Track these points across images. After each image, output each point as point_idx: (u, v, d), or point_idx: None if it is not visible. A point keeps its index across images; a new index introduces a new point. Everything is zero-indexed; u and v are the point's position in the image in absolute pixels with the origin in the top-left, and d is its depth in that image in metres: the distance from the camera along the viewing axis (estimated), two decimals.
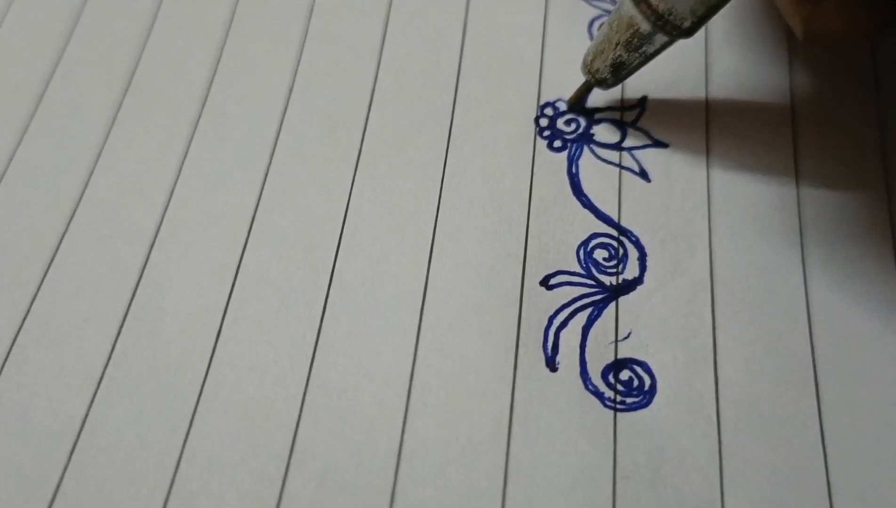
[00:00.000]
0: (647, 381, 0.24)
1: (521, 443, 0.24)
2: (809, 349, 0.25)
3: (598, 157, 0.28)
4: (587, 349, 0.25)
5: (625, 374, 0.25)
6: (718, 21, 0.31)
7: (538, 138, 0.29)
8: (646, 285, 0.26)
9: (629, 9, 0.26)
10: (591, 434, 0.24)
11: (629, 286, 0.26)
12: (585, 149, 0.29)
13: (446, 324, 0.25)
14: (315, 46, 0.31)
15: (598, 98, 0.30)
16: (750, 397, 0.24)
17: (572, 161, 0.28)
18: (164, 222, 0.27)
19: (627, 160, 0.28)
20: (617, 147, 0.29)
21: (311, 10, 0.31)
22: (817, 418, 0.24)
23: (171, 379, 0.24)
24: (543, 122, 0.29)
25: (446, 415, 0.24)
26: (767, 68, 0.30)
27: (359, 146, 0.28)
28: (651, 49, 0.26)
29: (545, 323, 0.25)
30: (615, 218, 0.27)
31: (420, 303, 0.25)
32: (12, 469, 0.23)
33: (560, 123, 0.29)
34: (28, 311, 0.25)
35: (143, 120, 0.29)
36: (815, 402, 0.24)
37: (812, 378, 0.25)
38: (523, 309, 0.25)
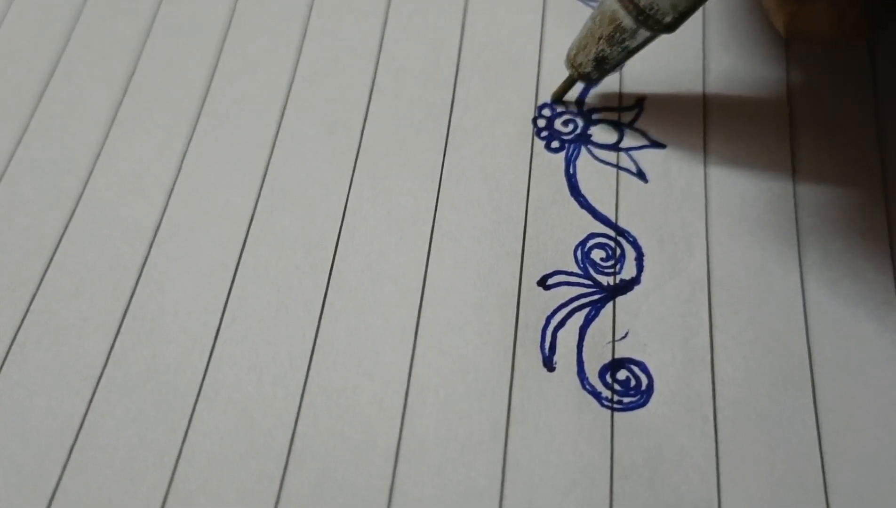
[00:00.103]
0: (645, 381, 0.25)
1: (518, 443, 0.24)
2: (806, 348, 0.25)
3: (596, 158, 0.28)
4: (585, 349, 0.25)
5: (622, 374, 0.25)
6: (715, 20, 0.31)
7: (536, 139, 0.29)
8: (643, 285, 0.26)
9: (612, 3, 0.26)
10: (588, 433, 0.24)
11: (627, 286, 0.26)
12: (583, 149, 0.29)
13: (444, 324, 0.25)
14: (314, 46, 0.31)
15: (595, 98, 0.30)
16: (747, 396, 0.24)
17: (570, 161, 0.28)
18: (163, 221, 0.27)
19: (625, 160, 0.28)
20: (614, 147, 0.29)
21: (311, 10, 0.31)
22: (814, 417, 0.24)
23: (171, 378, 0.24)
24: (541, 123, 0.29)
25: (444, 414, 0.24)
26: (764, 68, 0.30)
27: (357, 146, 0.28)
28: (633, 44, 0.27)
29: (543, 322, 0.25)
30: (613, 218, 0.27)
31: (418, 303, 0.26)
32: (12, 467, 0.23)
33: (558, 124, 0.29)
34: (28, 310, 0.25)
35: (142, 119, 0.29)
36: (812, 401, 0.24)
37: (809, 377, 0.25)
38: (521, 308, 0.25)
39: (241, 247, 0.27)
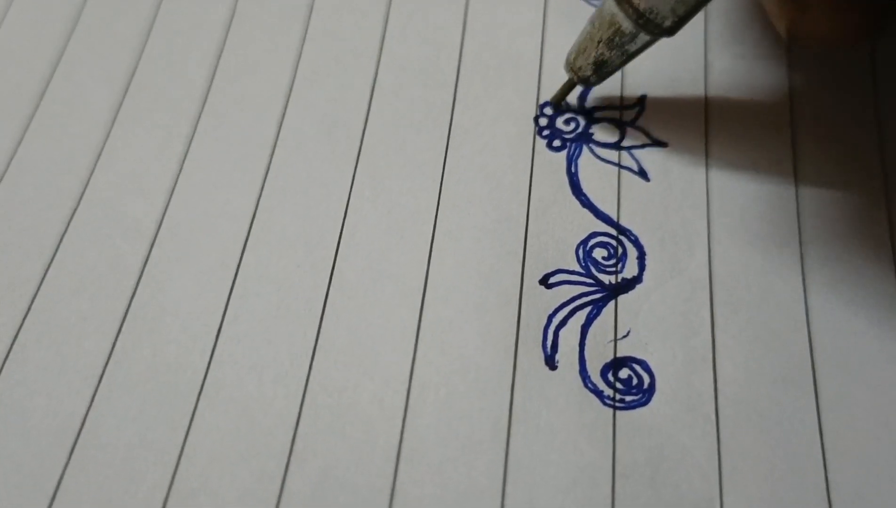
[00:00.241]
0: (647, 380, 0.25)
1: (520, 442, 0.24)
2: (808, 348, 0.25)
3: (598, 157, 0.28)
4: (586, 347, 0.25)
5: (624, 373, 0.25)
6: (717, 20, 0.31)
7: (537, 137, 0.29)
8: (645, 284, 0.26)
9: (611, 7, 0.26)
10: (590, 432, 0.24)
11: (628, 285, 0.26)
12: (584, 148, 0.29)
13: (446, 323, 0.25)
14: (315, 46, 0.31)
15: (596, 97, 0.30)
16: (748, 395, 0.24)
17: (571, 160, 0.28)
18: (164, 221, 0.27)
19: (626, 159, 0.28)
20: (616, 146, 0.29)
21: (311, 9, 0.31)
22: (816, 416, 0.24)
23: (172, 377, 0.24)
24: (543, 122, 0.29)
25: (446, 413, 0.24)
26: (766, 68, 0.30)
27: (358, 145, 0.28)
28: (633, 48, 0.27)
29: (544, 321, 0.25)
30: (614, 217, 0.27)
31: (420, 302, 0.26)
32: (13, 467, 0.23)
33: (559, 123, 0.29)
34: (28, 310, 0.25)
35: (143, 119, 0.29)
36: (814, 400, 0.24)
37: (810, 376, 0.25)
38: (523, 307, 0.25)
39: (242, 246, 0.27)
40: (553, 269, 0.26)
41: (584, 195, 0.28)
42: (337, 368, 0.25)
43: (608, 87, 0.30)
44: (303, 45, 0.31)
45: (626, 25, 0.26)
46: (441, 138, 0.29)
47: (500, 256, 0.26)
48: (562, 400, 0.24)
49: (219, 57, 0.30)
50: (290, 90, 0.30)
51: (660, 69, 0.30)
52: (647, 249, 0.27)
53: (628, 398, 0.24)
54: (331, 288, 0.26)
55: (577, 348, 0.25)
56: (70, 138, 0.29)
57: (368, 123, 0.29)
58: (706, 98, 0.29)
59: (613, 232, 0.27)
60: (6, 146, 0.28)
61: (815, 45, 0.27)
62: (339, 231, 0.27)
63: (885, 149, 0.28)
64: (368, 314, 0.25)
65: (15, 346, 0.25)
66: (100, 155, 0.28)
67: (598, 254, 0.27)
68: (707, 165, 0.28)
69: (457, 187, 0.28)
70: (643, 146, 0.29)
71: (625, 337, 0.25)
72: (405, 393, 0.24)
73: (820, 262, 0.26)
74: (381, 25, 0.31)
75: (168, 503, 0.23)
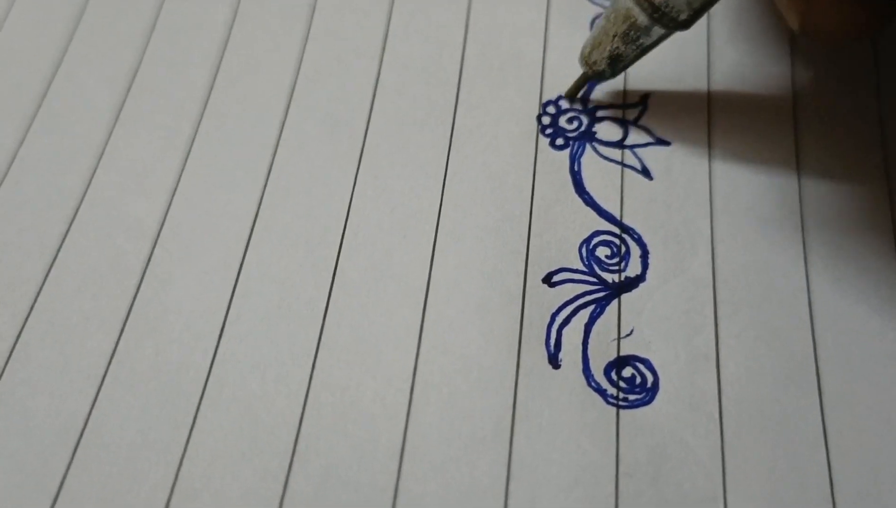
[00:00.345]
0: (650, 378, 0.25)
1: (523, 441, 0.24)
2: (811, 346, 0.25)
3: (601, 155, 0.28)
4: (590, 346, 0.25)
5: (627, 371, 0.25)
6: (720, 18, 0.31)
7: (540, 136, 0.29)
8: (648, 282, 0.26)
9: (626, 1, 0.26)
10: (593, 431, 0.24)
11: (631, 283, 0.26)
12: (587, 146, 0.29)
13: (449, 322, 0.25)
14: (317, 45, 0.31)
15: (599, 95, 0.30)
16: (752, 394, 0.24)
17: (574, 159, 0.28)
18: (166, 220, 0.27)
19: (629, 158, 0.28)
20: (619, 145, 0.29)
21: (314, 8, 0.31)
22: (819, 415, 0.24)
23: (174, 376, 0.24)
24: (546, 120, 0.29)
25: (449, 412, 0.24)
26: (769, 65, 0.30)
27: (361, 145, 0.28)
28: (648, 41, 0.27)
29: (548, 320, 0.25)
30: (617, 215, 0.27)
31: (422, 301, 0.25)
32: (16, 466, 0.23)
33: (562, 121, 0.29)
34: (31, 309, 0.25)
35: (145, 119, 0.29)
36: (818, 399, 0.24)
37: (814, 374, 0.25)
38: (525, 306, 0.25)
39: (244, 245, 0.26)
40: (556, 268, 0.26)
41: (587, 193, 0.28)
42: (340, 367, 0.25)
43: (611, 86, 0.30)
44: (305, 45, 0.31)
45: (642, 19, 0.26)
46: (444, 137, 0.29)
47: (502, 255, 0.26)
48: (565, 399, 0.24)
49: (221, 57, 0.30)
50: (293, 90, 0.30)
51: (663, 67, 0.30)
52: (650, 248, 0.27)
53: (631, 397, 0.24)
54: (333, 287, 0.26)
55: (581, 347, 0.25)
56: (72, 138, 0.29)
57: (371, 123, 0.29)
58: (709, 96, 0.29)
59: (616, 230, 0.27)
60: (8, 145, 0.28)
61: (823, 38, 0.27)
62: (341, 230, 0.27)
63: (889, 146, 0.28)
64: (371, 313, 0.25)
65: (18, 346, 0.25)
66: (102, 154, 0.28)
67: (602, 252, 0.27)
68: (710, 163, 0.28)
69: (459, 186, 0.28)
70: (646, 144, 0.29)
71: (628, 335, 0.25)
72: (408, 392, 0.24)
73: (824, 260, 0.26)
74: (383, 25, 0.31)
75: (171, 502, 0.23)
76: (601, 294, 0.26)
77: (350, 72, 0.30)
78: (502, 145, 0.28)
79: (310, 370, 0.24)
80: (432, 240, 0.27)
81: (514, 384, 0.24)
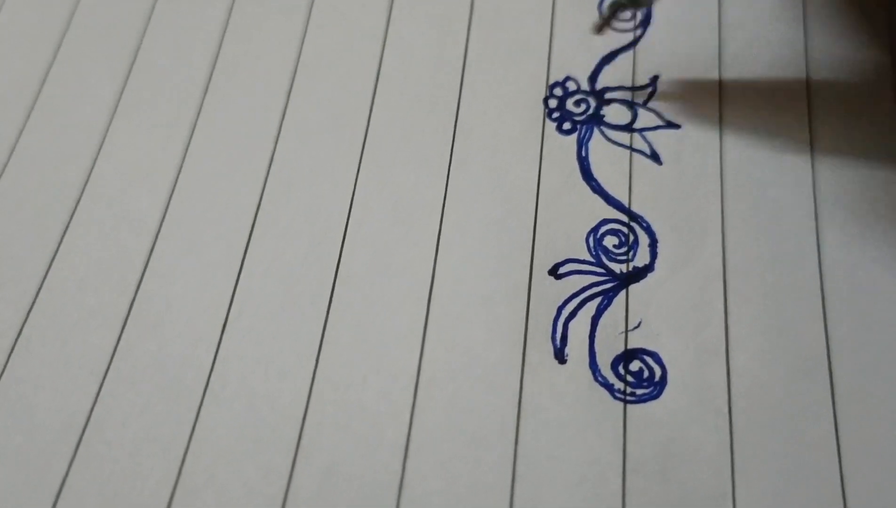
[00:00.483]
0: (658, 372, 0.24)
1: (529, 437, 0.23)
2: (824, 338, 0.25)
3: (609, 139, 0.28)
4: (596, 340, 0.25)
5: (635, 365, 0.24)
6: (732, 0, 0.30)
7: (547, 120, 0.28)
8: (657, 273, 0.26)
9: None
10: (600, 426, 0.23)
11: (639, 274, 0.26)
12: (595, 130, 0.28)
13: (454, 317, 0.25)
14: (318, 32, 0.30)
15: (608, 76, 0.29)
16: (762, 387, 0.24)
17: (582, 143, 0.28)
18: (168, 213, 0.27)
19: (638, 142, 0.28)
20: (628, 128, 0.28)
21: None
22: (831, 409, 0.24)
23: (177, 372, 0.24)
24: (552, 103, 0.28)
25: (454, 408, 0.24)
26: (782, 48, 0.29)
27: (364, 134, 0.28)
28: None
29: (554, 313, 0.25)
30: (626, 203, 0.27)
31: (427, 296, 0.25)
32: (18, 462, 0.23)
33: (569, 104, 0.28)
34: (33, 304, 0.25)
35: (145, 108, 0.29)
36: (829, 393, 0.24)
37: (826, 366, 0.24)
38: (531, 300, 0.25)
39: (246, 239, 0.26)
40: (563, 259, 0.26)
41: (595, 180, 0.27)
42: (343, 363, 0.24)
43: (620, 67, 0.29)
44: (306, 32, 0.30)
45: None
46: (448, 124, 0.28)
47: (508, 247, 0.26)
48: (571, 395, 0.24)
49: (220, 45, 0.30)
50: (294, 77, 0.29)
51: (673, 49, 0.29)
52: (659, 236, 0.26)
53: (639, 391, 0.24)
54: (336, 282, 0.25)
55: (587, 340, 0.24)
56: (72, 129, 0.28)
57: (373, 111, 0.28)
58: (720, 79, 0.29)
59: (625, 218, 0.26)
60: (8, 135, 0.28)
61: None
62: (344, 223, 0.26)
63: None
64: (375, 308, 0.25)
65: (20, 341, 0.25)
66: (101, 145, 0.28)
67: (609, 241, 0.26)
68: (721, 148, 0.28)
69: (464, 176, 0.27)
70: (656, 128, 0.28)
71: (636, 327, 0.25)
72: (412, 388, 0.24)
73: (837, 249, 0.26)
74: (385, 9, 0.30)
75: (174, 498, 0.23)
76: (609, 285, 0.25)
77: (352, 59, 0.29)
78: (508, 131, 0.28)
79: (313, 366, 0.24)
80: (436, 233, 0.26)
81: (519, 379, 0.24)
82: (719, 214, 0.26)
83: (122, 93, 0.29)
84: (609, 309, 0.25)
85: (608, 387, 0.24)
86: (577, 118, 0.28)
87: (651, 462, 0.23)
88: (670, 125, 0.28)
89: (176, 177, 0.27)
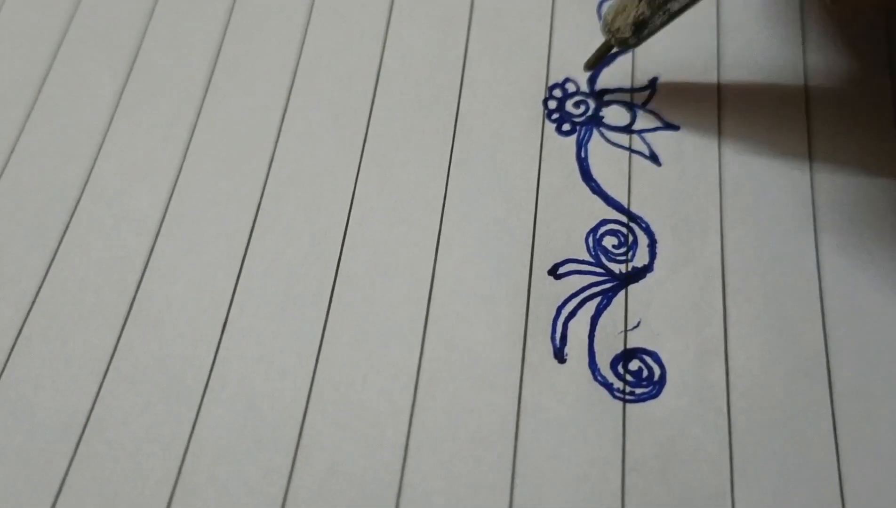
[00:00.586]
0: (657, 371, 0.24)
1: (529, 436, 0.23)
2: (822, 338, 0.25)
3: (608, 141, 0.28)
4: (596, 339, 0.25)
5: (634, 364, 0.24)
6: (732, 1, 0.30)
7: (546, 121, 0.28)
8: (656, 273, 0.26)
9: None
10: (600, 426, 0.23)
11: (639, 274, 0.26)
12: (595, 132, 0.28)
13: (454, 316, 0.25)
14: (319, 30, 0.30)
15: (607, 78, 0.29)
16: (761, 387, 0.24)
17: (581, 144, 0.28)
18: (168, 211, 0.27)
19: (637, 143, 0.28)
20: (627, 129, 0.28)
21: None
22: (829, 408, 0.24)
23: (178, 370, 0.24)
24: (552, 105, 0.29)
25: (454, 408, 0.24)
26: (781, 50, 0.29)
27: (364, 132, 0.28)
28: (676, 6, 0.26)
29: (554, 313, 0.25)
30: (625, 203, 0.27)
31: (427, 294, 0.25)
32: (18, 461, 0.23)
33: (569, 105, 0.29)
34: (33, 303, 0.25)
35: (146, 106, 0.29)
36: (828, 392, 0.24)
37: (825, 366, 0.24)
38: (531, 299, 0.25)
39: (247, 237, 0.26)
40: (562, 259, 0.26)
41: (594, 181, 0.27)
42: (343, 362, 0.24)
43: (619, 69, 0.29)
44: (307, 29, 0.30)
45: None
46: (448, 123, 0.28)
47: (508, 246, 0.26)
48: (571, 394, 0.24)
49: (222, 42, 0.30)
50: (295, 74, 0.29)
51: (672, 51, 0.29)
52: (658, 237, 0.26)
53: (638, 390, 0.24)
54: (337, 280, 0.25)
55: (587, 340, 0.25)
56: (72, 128, 0.28)
57: (374, 109, 0.28)
58: (719, 80, 0.29)
59: (624, 219, 0.27)
60: (9, 134, 0.28)
61: (857, 8, 0.26)
62: (345, 222, 0.26)
63: None
64: (376, 306, 0.25)
65: (20, 340, 0.25)
66: (102, 145, 0.28)
67: (609, 242, 0.26)
68: (720, 149, 0.28)
69: (464, 175, 0.27)
70: (655, 129, 0.28)
71: (635, 327, 0.25)
72: (413, 387, 0.24)
73: (835, 250, 0.26)
74: (386, 7, 0.30)
75: (174, 497, 0.23)
76: (608, 285, 0.25)
77: (352, 57, 0.30)
78: (508, 131, 0.28)
79: (313, 365, 0.24)
80: (436, 233, 0.26)
81: (519, 379, 0.24)
82: (718, 215, 0.27)
83: (122, 92, 0.29)
84: (608, 309, 0.25)
85: (607, 387, 0.24)
86: (577, 119, 0.28)
87: (650, 461, 0.23)
88: (669, 126, 0.28)
89: (176, 177, 0.27)
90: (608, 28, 0.27)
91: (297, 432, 0.23)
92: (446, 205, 0.27)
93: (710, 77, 0.29)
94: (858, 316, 0.25)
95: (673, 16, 0.26)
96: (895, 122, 0.28)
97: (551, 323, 0.25)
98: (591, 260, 0.26)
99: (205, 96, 0.29)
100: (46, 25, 0.30)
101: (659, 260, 0.26)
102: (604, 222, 0.26)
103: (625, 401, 0.24)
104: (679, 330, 0.25)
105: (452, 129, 0.28)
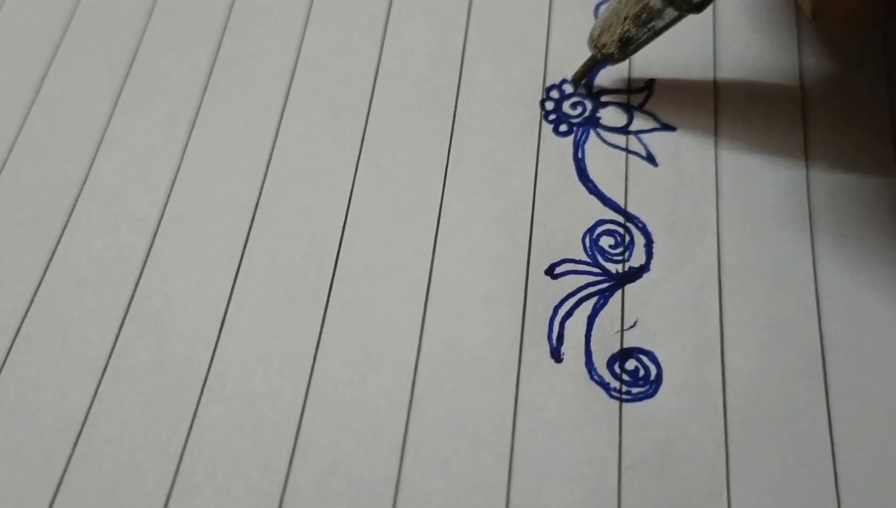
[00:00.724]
0: (654, 371, 0.24)
1: (526, 435, 0.23)
2: (818, 337, 0.25)
3: (605, 141, 0.28)
4: (593, 339, 0.25)
5: (631, 364, 0.24)
6: (728, 2, 0.30)
7: (544, 122, 0.28)
8: (652, 273, 0.26)
9: None
10: (596, 425, 0.24)
11: (635, 274, 0.26)
12: (592, 133, 0.28)
13: (451, 315, 0.25)
14: (317, 29, 0.30)
15: (604, 80, 0.29)
16: (758, 386, 0.24)
17: (578, 145, 0.28)
18: (167, 210, 0.27)
19: (634, 144, 0.28)
20: (624, 130, 0.28)
21: None
22: (825, 407, 0.24)
23: (176, 369, 0.24)
24: (549, 106, 0.29)
25: (451, 406, 0.24)
26: (777, 51, 0.29)
27: (362, 131, 0.28)
28: (660, 24, 0.26)
29: (550, 313, 0.25)
30: (622, 204, 0.27)
31: (425, 293, 0.25)
32: (16, 461, 0.23)
33: (566, 106, 0.29)
34: (31, 302, 0.25)
35: (144, 106, 0.29)
36: (824, 391, 0.24)
37: (820, 366, 0.24)
38: (528, 299, 0.25)
39: (245, 236, 0.26)
40: (559, 259, 0.26)
41: (591, 181, 0.27)
42: (341, 360, 0.24)
43: (616, 70, 0.29)
44: (305, 29, 0.30)
45: (655, 1, 0.25)
46: (446, 123, 0.28)
47: (505, 246, 0.26)
48: (568, 393, 0.24)
49: (221, 41, 0.30)
50: (293, 74, 0.29)
51: (668, 52, 0.29)
52: (654, 237, 0.26)
53: (635, 390, 0.24)
54: (335, 279, 0.26)
55: (584, 339, 0.25)
56: (71, 127, 0.28)
57: (372, 108, 0.29)
58: (715, 81, 0.29)
59: (621, 219, 0.27)
60: (7, 133, 0.28)
61: (839, 23, 0.27)
62: (343, 220, 0.26)
63: None
64: (373, 305, 0.25)
65: (18, 339, 0.25)
66: (101, 142, 0.28)
67: (605, 242, 0.26)
68: (716, 150, 0.28)
69: (462, 175, 0.27)
70: (651, 130, 0.28)
71: (632, 327, 0.25)
72: (410, 386, 0.24)
73: (831, 249, 0.26)
74: (384, 7, 0.31)
75: (172, 496, 0.23)
76: (605, 285, 0.26)
77: (351, 56, 0.30)
78: (505, 131, 0.28)
79: (311, 363, 0.24)
80: (434, 231, 0.26)
81: (516, 378, 0.24)
82: (714, 215, 0.27)
83: (121, 91, 0.29)
84: (605, 308, 0.25)
85: (604, 386, 0.24)
86: (574, 120, 0.28)
87: (647, 459, 0.23)
88: (666, 127, 0.28)
89: (175, 176, 0.27)
90: (595, 44, 0.27)
91: (295, 430, 0.24)
92: (444, 204, 0.27)
93: (707, 78, 0.29)
94: (854, 316, 0.25)
95: (657, 33, 0.26)
96: (891, 123, 0.28)
97: (548, 322, 0.25)
98: (588, 259, 0.26)
99: (203, 95, 0.29)
100: (46, 25, 0.30)
101: (656, 260, 0.26)
102: (601, 222, 0.27)
103: (621, 401, 0.24)
104: (676, 329, 0.25)
105: (450, 129, 0.28)
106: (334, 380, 0.24)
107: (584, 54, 0.28)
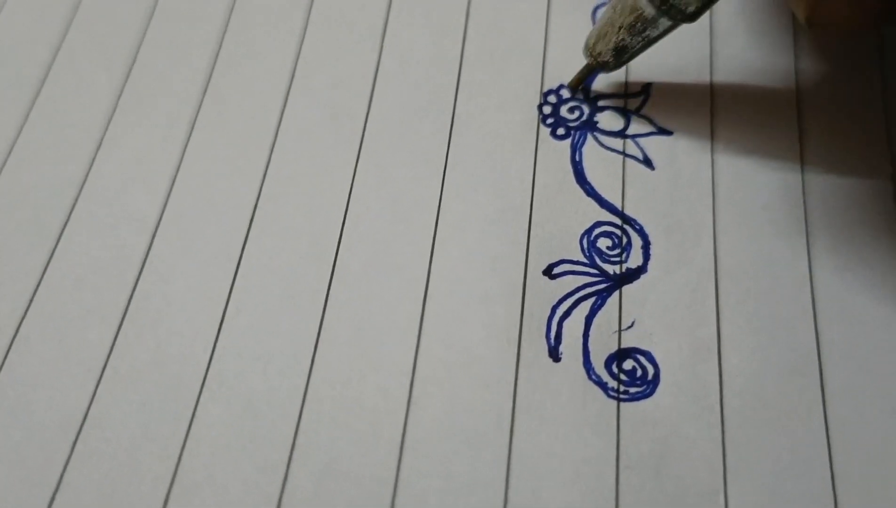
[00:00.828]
0: (651, 371, 0.24)
1: (524, 434, 0.23)
2: (814, 338, 0.25)
3: (602, 145, 0.28)
4: (590, 339, 0.25)
5: (628, 364, 0.24)
6: (724, 7, 0.31)
7: (541, 126, 0.29)
8: (649, 274, 0.26)
9: None
10: (594, 424, 0.24)
11: (633, 275, 0.26)
12: (589, 136, 0.28)
13: (449, 314, 0.25)
14: (317, 31, 0.30)
15: (601, 84, 0.29)
16: (754, 386, 0.24)
17: (576, 148, 0.28)
18: (166, 210, 0.27)
19: (631, 147, 0.28)
20: (621, 134, 0.28)
21: None
22: (821, 407, 0.24)
23: (175, 369, 0.24)
24: (546, 110, 0.29)
25: (449, 406, 0.24)
26: (773, 55, 0.30)
27: (361, 133, 0.28)
28: (654, 33, 0.26)
29: (548, 312, 0.25)
30: (619, 206, 0.27)
31: (423, 293, 0.25)
32: (15, 460, 0.23)
33: (563, 111, 0.29)
34: (31, 301, 0.25)
35: (144, 107, 0.29)
36: (820, 391, 0.24)
37: (817, 367, 0.24)
38: (526, 298, 0.25)
39: (244, 236, 0.26)
40: (557, 260, 0.26)
41: (589, 184, 0.27)
42: (340, 360, 0.24)
43: (613, 75, 0.29)
44: (305, 31, 0.30)
45: (649, 11, 0.25)
46: (444, 125, 0.28)
47: (503, 246, 0.26)
48: (565, 392, 0.24)
49: (220, 42, 0.30)
50: (293, 76, 0.29)
51: (665, 57, 0.29)
52: (651, 239, 0.26)
53: (632, 389, 0.24)
54: (333, 278, 0.26)
55: (581, 339, 0.25)
56: (71, 126, 0.28)
57: (371, 110, 0.29)
58: (712, 86, 0.29)
59: (618, 221, 0.27)
60: (7, 134, 0.28)
61: (832, 29, 0.27)
62: (341, 221, 0.27)
63: (893, 137, 0.28)
64: (372, 305, 0.25)
65: (17, 338, 0.25)
66: (101, 143, 0.28)
67: (603, 243, 0.26)
68: (713, 153, 0.28)
69: (460, 176, 0.27)
70: (648, 134, 0.28)
71: (629, 327, 0.25)
72: (408, 385, 0.24)
73: (827, 251, 0.26)
74: (384, 10, 0.31)
75: (171, 495, 0.23)
76: (602, 286, 0.26)
77: (350, 58, 0.30)
78: (503, 134, 0.28)
79: (310, 363, 0.24)
80: (433, 231, 0.26)
81: (514, 377, 0.24)
82: (711, 217, 0.27)
83: (121, 92, 0.29)
84: (603, 309, 0.25)
85: (602, 386, 0.24)
86: (571, 124, 0.29)
87: (645, 459, 0.23)
88: (662, 131, 0.28)
89: (174, 177, 0.27)
90: (590, 52, 0.28)
91: (294, 430, 0.24)
92: (442, 205, 0.27)
93: (704, 83, 0.29)
94: (850, 317, 0.25)
95: (651, 42, 0.27)
96: (885, 127, 0.28)
97: (546, 322, 0.25)
98: (586, 260, 0.26)
99: (203, 96, 0.29)
100: (46, 26, 0.31)
101: (653, 261, 0.26)
102: (598, 224, 0.27)
103: (619, 400, 0.24)
104: (673, 330, 0.25)
105: (449, 131, 0.28)
106: (333, 380, 0.24)
107: (581, 58, 0.28)
